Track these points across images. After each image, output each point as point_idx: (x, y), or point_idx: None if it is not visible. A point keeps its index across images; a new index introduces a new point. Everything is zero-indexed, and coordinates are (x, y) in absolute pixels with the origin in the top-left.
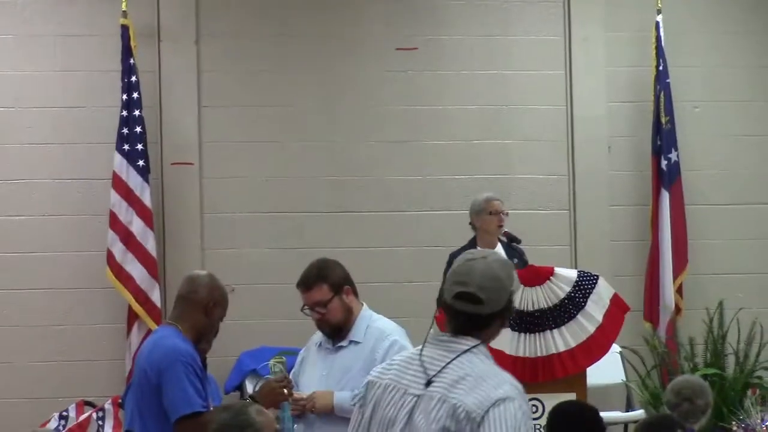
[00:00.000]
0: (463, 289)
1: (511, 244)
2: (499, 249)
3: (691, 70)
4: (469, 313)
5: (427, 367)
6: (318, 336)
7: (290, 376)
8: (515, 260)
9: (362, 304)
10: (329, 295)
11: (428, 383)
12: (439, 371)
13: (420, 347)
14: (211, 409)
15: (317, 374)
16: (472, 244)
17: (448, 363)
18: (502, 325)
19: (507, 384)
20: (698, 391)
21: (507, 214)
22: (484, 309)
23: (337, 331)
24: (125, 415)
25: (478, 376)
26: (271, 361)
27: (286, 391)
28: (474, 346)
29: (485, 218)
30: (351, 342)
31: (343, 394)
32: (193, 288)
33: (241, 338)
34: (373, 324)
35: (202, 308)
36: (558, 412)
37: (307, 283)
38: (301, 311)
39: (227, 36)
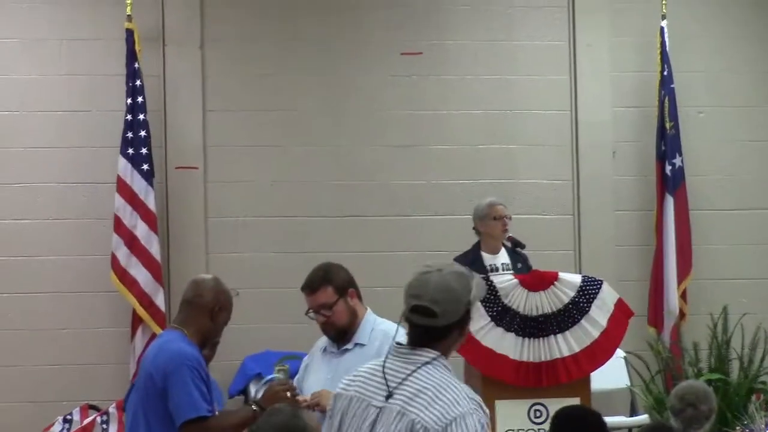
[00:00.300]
0: (417, 302)
1: (515, 248)
2: (504, 254)
3: (696, 75)
4: (425, 325)
5: (388, 380)
6: (322, 341)
7: (294, 382)
8: (519, 265)
9: (366, 308)
10: (334, 298)
11: (389, 396)
12: (399, 384)
13: (383, 358)
14: (216, 413)
15: (322, 378)
16: (476, 248)
17: (408, 376)
18: (461, 336)
19: (464, 399)
20: (702, 396)
21: (511, 218)
22: (438, 321)
23: (342, 334)
24: (126, 418)
25: (436, 390)
26: (275, 369)
27: (289, 394)
28: (433, 359)
29: (489, 223)
30: (356, 345)
31: None
32: (198, 292)
33: (245, 342)
34: (378, 326)
35: (208, 312)
36: (561, 416)
37: (312, 285)
38: (305, 315)
39: (232, 40)
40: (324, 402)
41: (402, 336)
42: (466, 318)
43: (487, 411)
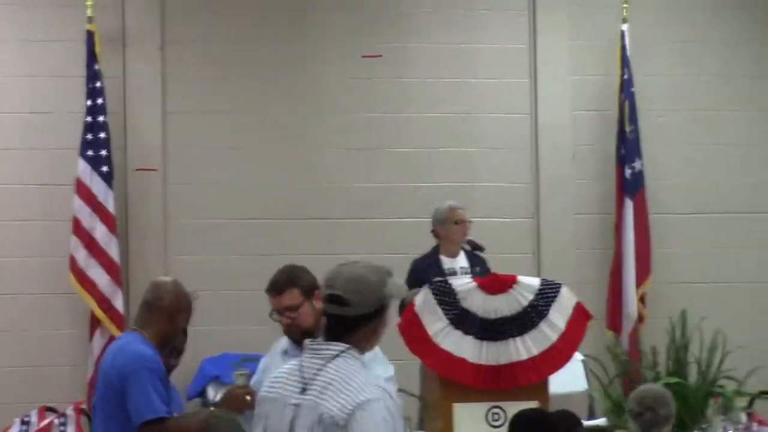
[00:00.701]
0: (330, 291)
1: (474, 251)
2: (462, 257)
3: (656, 79)
4: (336, 315)
5: (303, 376)
6: (282, 343)
7: (253, 385)
8: (478, 268)
9: None
10: (300, 300)
11: (303, 391)
12: (311, 379)
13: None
14: (174, 415)
15: None
16: (434, 252)
17: (319, 370)
18: (375, 331)
19: (371, 386)
20: (661, 400)
21: (471, 222)
22: (349, 311)
23: (306, 336)
24: (93, 422)
25: (344, 381)
26: (234, 374)
27: (248, 397)
28: (342, 351)
29: (450, 227)
30: None
31: None
32: (158, 294)
33: (204, 344)
34: None
35: (167, 315)
36: (519, 419)
37: (277, 287)
38: (269, 316)
39: (192, 42)
40: None
41: None
42: (380, 311)
43: (398, 400)
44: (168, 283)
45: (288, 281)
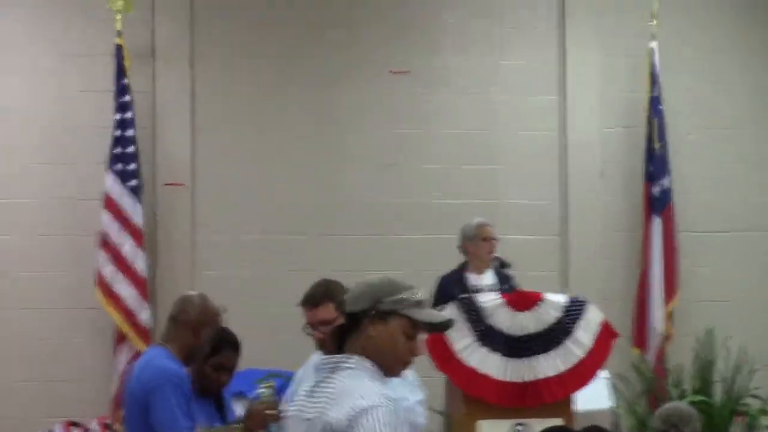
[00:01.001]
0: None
1: (501, 269)
2: (490, 274)
3: (685, 96)
4: (345, 316)
5: (314, 390)
6: (316, 358)
7: (286, 396)
8: (505, 286)
9: None
10: (335, 315)
11: (313, 405)
12: (320, 392)
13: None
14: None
15: None
16: (461, 268)
17: (328, 382)
18: (372, 338)
19: (373, 394)
20: (686, 418)
21: (498, 239)
22: (347, 307)
23: (340, 352)
24: None
25: (346, 390)
26: (260, 387)
27: (271, 412)
28: (345, 361)
29: (478, 244)
30: None
31: None
32: (183, 308)
33: None
34: None
35: (191, 329)
36: None
37: (313, 300)
38: (302, 330)
39: (222, 57)
40: None
41: None
42: (377, 315)
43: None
44: (194, 297)
45: (324, 295)
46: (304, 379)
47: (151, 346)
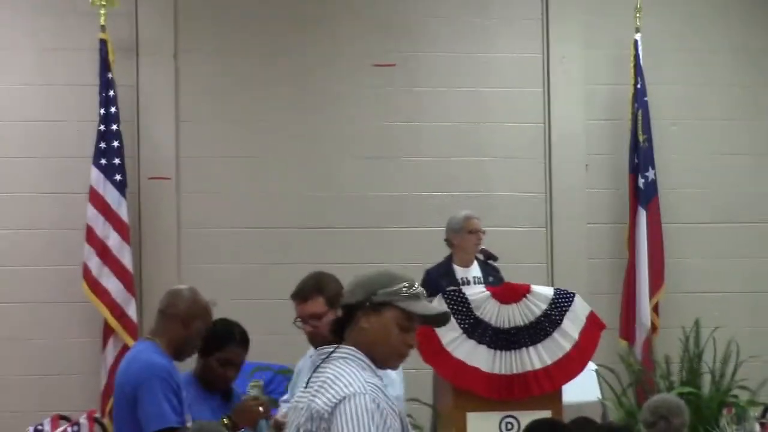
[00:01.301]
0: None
1: (488, 261)
2: (476, 266)
3: (669, 88)
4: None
5: (310, 380)
6: (313, 349)
7: (278, 389)
8: (491, 278)
9: None
10: (324, 309)
11: (305, 393)
12: (312, 380)
13: None
14: (188, 425)
15: None
16: (448, 261)
17: (318, 371)
18: (363, 329)
19: (358, 381)
20: (675, 409)
21: (485, 232)
22: (344, 299)
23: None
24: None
25: (336, 378)
26: (249, 385)
27: (261, 409)
28: (336, 348)
29: (464, 236)
30: None
31: None
32: (172, 302)
33: None
34: None
35: (180, 322)
36: (531, 429)
37: (303, 294)
38: (293, 323)
39: (205, 51)
40: None
41: None
42: (370, 307)
43: (389, 396)
44: (184, 291)
45: (314, 289)
46: (302, 368)
47: (139, 340)
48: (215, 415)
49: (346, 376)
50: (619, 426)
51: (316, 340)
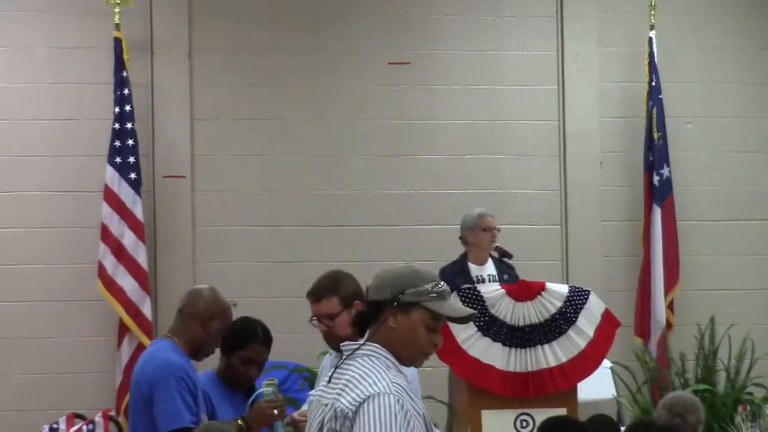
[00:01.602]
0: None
1: (503, 259)
2: (490, 264)
3: (684, 85)
4: (368, 304)
5: (333, 376)
6: None
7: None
8: (506, 276)
9: None
10: (338, 309)
11: (330, 390)
12: (335, 376)
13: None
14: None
15: None
16: (462, 259)
17: (342, 367)
18: (390, 328)
19: (384, 381)
20: (690, 407)
21: (499, 230)
22: (369, 295)
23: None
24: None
25: (360, 377)
26: (263, 384)
27: (276, 411)
28: (361, 345)
29: (478, 234)
30: None
31: None
32: (191, 301)
33: None
34: None
35: (199, 321)
36: (546, 427)
37: (317, 294)
38: (308, 322)
39: (220, 49)
40: None
41: None
42: (398, 305)
43: (413, 397)
44: (203, 290)
45: (327, 289)
46: (326, 364)
47: (157, 338)
48: (238, 413)
49: (372, 376)
50: (644, 422)
51: (331, 340)
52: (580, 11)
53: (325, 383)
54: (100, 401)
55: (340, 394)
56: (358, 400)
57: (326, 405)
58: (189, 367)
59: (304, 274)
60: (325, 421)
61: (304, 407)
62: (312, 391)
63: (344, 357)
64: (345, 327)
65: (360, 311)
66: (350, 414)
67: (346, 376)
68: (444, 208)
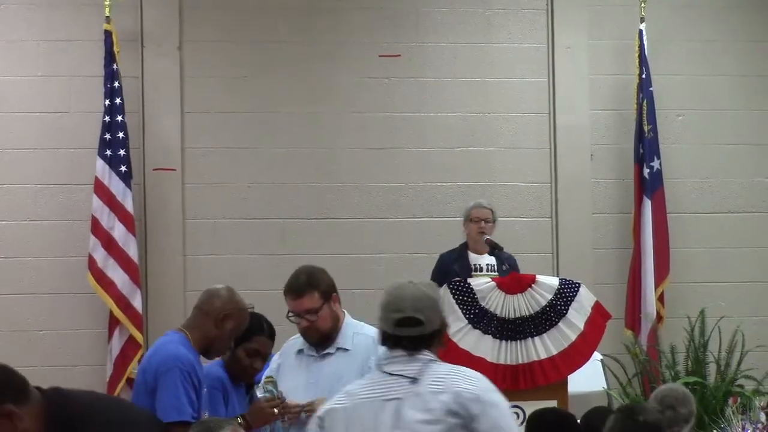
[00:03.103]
0: (401, 315)
1: (494, 251)
2: (488, 256)
3: (674, 78)
4: (413, 336)
5: (404, 375)
6: (296, 343)
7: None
8: (505, 266)
9: (344, 312)
10: (320, 303)
11: (413, 381)
12: (420, 373)
13: (375, 371)
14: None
15: (303, 381)
16: (463, 247)
17: (423, 368)
18: (441, 344)
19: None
20: (682, 399)
21: (493, 222)
22: (426, 328)
23: (324, 339)
24: None
25: (458, 372)
26: (262, 381)
27: (276, 410)
28: (431, 360)
29: (467, 225)
30: (338, 349)
31: None
32: (208, 299)
33: None
34: (360, 331)
35: (213, 319)
36: (536, 418)
37: (297, 290)
38: (286, 318)
39: (210, 42)
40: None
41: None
42: (444, 325)
43: None
44: (221, 290)
45: (308, 284)
46: (284, 364)
47: (171, 330)
48: (241, 406)
49: (469, 372)
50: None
51: (311, 335)
52: (571, 3)
53: (367, 383)
54: None
55: (446, 383)
56: (484, 388)
57: (399, 398)
58: (197, 362)
59: (294, 266)
60: (430, 406)
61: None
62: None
63: (393, 366)
64: (327, 321)
65: (422, 335)
66: (484, 398)
67: (438, 373)
68: (434, 200)
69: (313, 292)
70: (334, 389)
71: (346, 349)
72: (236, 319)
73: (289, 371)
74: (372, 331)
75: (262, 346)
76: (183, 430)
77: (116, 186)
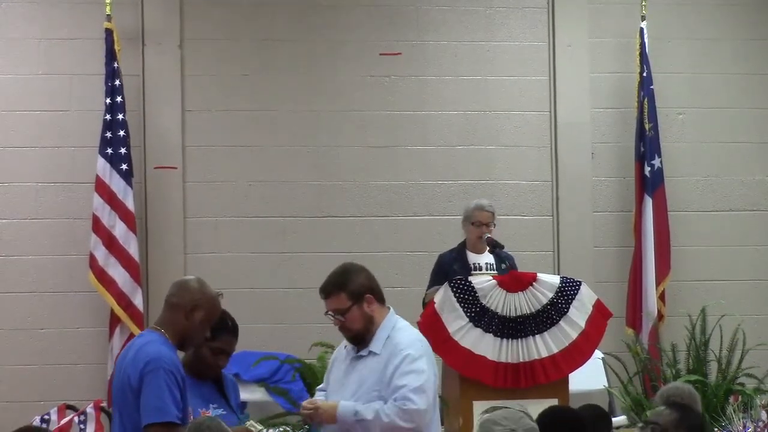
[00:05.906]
0: None
1: (494, 250)
2: (487, 255)
3: (675, 76)
4: None
5: None
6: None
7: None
8: (504, 265)
9: (389, 309)
10: (347, 304)
11: None
12: None
13: None
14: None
15: (339, 378)
16: (462, 246)
17: None
18: None
19: None
20: (687, 397)
21: (489, 225)
22: None
23: (358, 339)
24: (113, 420)
25: None
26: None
27: None
28: None
29: (467, 226)
30: (370, 353)
31: (347, 407)
32: (177, 292)
33: None
34: (394, 335)
35: (183, 311)
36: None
37: (325, 290)
38: (325, 315)
39: (211, 40)
40: (322, 418)
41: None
42: None
43: None
44: (190, 281)
45: (335, 285)
46: (337, 356)
47: (146, 329)
48: (206, 403)
49: None
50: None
51: (345, 333)
52: (572, 1)
53: None
54: (91, 392)
55: None
56: None
57: None
58: (178, 360)
59: (295, 265)
60: None
61: (319, 396)
62: (324, 386)
63: None
64: (356, 321)
65: None
66: None
67: None
68: (435, 198)
69: (339, 293)
70: (357, 394)
71: (376, 353)
72: (206, 309)
73: (336, 365)
74: (402, 337)
75: (226, 344)
76: (167, 431)
77: (117, 184)
